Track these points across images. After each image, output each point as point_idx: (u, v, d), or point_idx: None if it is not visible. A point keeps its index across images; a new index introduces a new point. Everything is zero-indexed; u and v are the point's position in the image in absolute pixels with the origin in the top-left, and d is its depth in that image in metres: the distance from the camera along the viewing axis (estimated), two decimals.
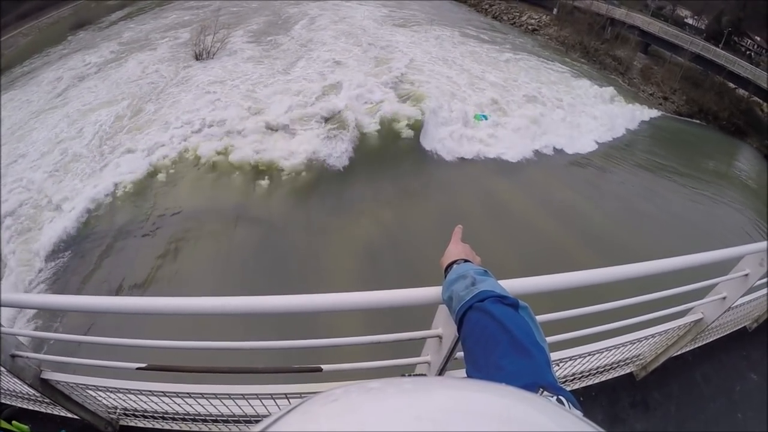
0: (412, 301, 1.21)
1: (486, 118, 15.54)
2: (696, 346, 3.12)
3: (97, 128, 15.32)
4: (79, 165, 13.66)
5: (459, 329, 0.97)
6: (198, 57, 19.93)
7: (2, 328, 1.45)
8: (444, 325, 1.37)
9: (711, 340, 3.22)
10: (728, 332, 3.34)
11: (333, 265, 10.85)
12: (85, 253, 11.07)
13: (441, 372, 1.48)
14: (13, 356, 1.53)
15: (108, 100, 16.94)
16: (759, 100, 24.62)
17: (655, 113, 21.87)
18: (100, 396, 1.99)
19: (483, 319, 0.89)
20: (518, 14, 30.40)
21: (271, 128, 14.69)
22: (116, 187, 12.55)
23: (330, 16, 25.53)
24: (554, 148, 16.48)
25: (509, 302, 0.91)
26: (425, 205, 13.07)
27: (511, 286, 1.20)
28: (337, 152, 13.81)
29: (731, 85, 25.09)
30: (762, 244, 1.93)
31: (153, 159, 13.47)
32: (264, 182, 13.03)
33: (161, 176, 13.08)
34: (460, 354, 1.41)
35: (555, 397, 0.70)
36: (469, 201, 13.42)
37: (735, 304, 2.37)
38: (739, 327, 3.44)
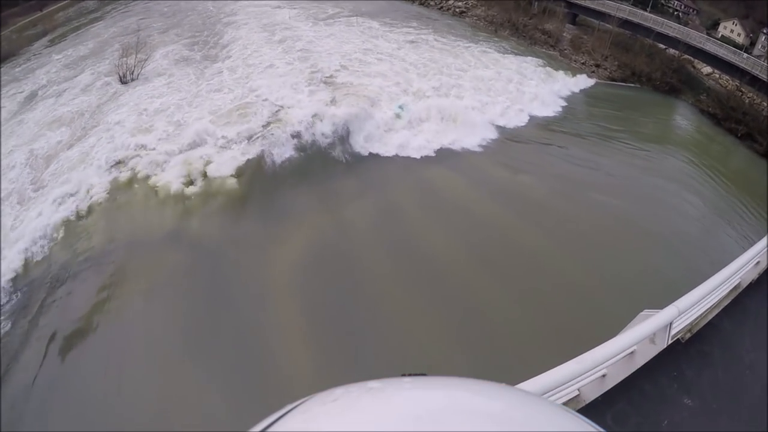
0: None
1: (402, 109, 15.43)
2: (603, 391, 2.57)
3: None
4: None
5: None
6: (122, 80, 19.22)
7: None
8: None
9: (627, 374, 2.68)
10: (653, 355, 2.81)
11: (274, 280, 10.50)
12: (28, 298, 10.52)
13: None
14: None
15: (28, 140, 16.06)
16: (690, 57, 25.40)
17: (589, 81, 22.29)
18: None
19: None
20: None
21: (200, 144, 14.21)
22: (51, 228, 11.99)
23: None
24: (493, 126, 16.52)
25: None
26: (362, 204, 12.85)
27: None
28: (275, 159, 13.56)
29: (661, 45, 25.81)
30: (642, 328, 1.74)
31: (81, 196, 12.85)
32: (197, 199, 12.58)
33: (93, 211, 12.48)
34: None
35: None
36: (405, 195, 13.23)
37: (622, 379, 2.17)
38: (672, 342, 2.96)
